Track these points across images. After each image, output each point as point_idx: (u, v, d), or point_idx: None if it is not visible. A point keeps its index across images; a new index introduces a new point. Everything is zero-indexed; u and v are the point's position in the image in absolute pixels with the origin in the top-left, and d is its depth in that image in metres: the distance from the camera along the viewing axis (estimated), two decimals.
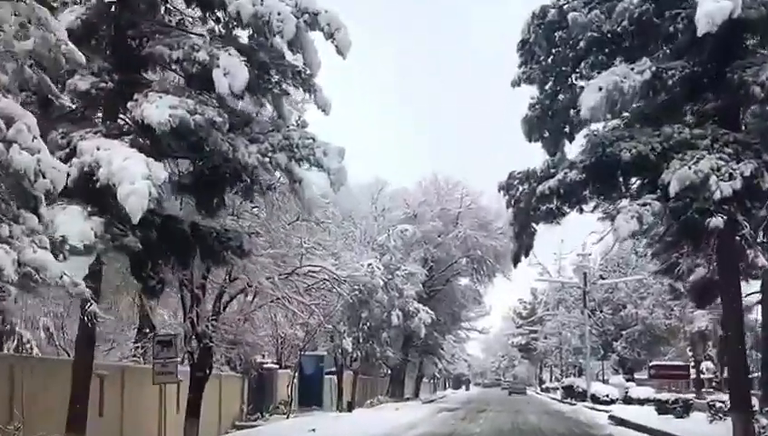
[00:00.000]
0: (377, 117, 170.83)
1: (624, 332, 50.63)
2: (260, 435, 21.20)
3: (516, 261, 20.71)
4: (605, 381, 49.10)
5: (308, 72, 13.13)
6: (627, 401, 41.81)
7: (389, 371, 50.68)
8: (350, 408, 35.52)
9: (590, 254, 47.51)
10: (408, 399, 54.52)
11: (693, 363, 68.22)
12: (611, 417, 32.01)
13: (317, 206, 16.41)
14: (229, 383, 23.99)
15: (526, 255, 20.23)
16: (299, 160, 12.54)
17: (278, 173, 13.38)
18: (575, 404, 47.18)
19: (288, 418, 26.23)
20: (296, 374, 29.19)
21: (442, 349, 58.23)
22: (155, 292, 13.79)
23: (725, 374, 59.69)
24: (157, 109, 11.38)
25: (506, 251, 52.18)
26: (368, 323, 35.91)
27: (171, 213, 12.98)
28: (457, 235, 50.52)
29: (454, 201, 52.18)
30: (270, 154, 12.33)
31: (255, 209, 17.38)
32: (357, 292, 29.58)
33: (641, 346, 49.75)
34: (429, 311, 41.37)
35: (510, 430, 27.63)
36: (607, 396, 41.78)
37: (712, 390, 65.16)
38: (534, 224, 18.77)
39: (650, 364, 38.69)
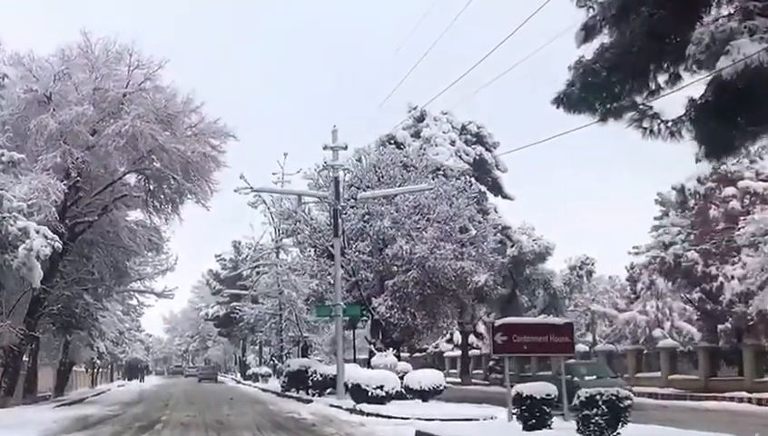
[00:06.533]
0: None
1: (388, 283, 31.90)
2: None
3: None
4: (358, 362, 31.26)
5: None
6: (399, 395, 25.04)
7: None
8: None
9: (345, 147, 28.65)
10: (44, 397, 35.06)
11: (461, 335, 51.64)
12: None
13: None
14: None
15: None
16: None
17: None
18: (311, 401, 29.70)
19: None
20: None
21: (98, 321, 37.26)
22: None
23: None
24: None
25: (201, 160, 32.88)
26: None
27: None
28: (120, 131, 29.78)
29: (117, 78, 31.40)
30: None
31: None
32: None
33: (415, 305, 31.57)
34: (51, 235, 21.05)
35: None
36: (381, 387, 24.16)
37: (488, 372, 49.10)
38: None
39: (496, 324, 18.17)
